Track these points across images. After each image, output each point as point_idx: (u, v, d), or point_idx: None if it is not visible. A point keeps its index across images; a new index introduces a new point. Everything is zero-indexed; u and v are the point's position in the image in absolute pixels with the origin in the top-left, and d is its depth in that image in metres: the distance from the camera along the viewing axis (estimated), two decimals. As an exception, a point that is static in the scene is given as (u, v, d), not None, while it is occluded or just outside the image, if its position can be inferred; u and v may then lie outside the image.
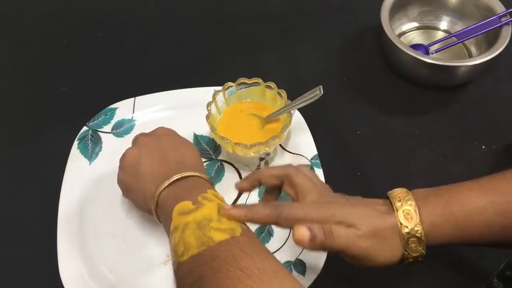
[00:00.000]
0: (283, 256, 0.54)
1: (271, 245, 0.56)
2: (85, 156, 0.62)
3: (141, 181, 0.50)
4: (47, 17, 0.82)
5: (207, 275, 0.37)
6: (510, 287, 0.45)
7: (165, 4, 0.82)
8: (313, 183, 0.45)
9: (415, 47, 0.71)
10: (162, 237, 0.56)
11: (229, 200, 0.56)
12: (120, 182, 0.53)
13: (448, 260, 0.55)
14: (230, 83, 0.63)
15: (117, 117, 0.65)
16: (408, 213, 0.40)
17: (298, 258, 0.54)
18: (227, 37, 0.78)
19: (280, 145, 0.63)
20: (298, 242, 0.40)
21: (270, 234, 0.57)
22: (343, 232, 0.40)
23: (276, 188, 0.48)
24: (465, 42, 0.72)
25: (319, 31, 0.78)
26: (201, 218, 0.41)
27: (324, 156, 0.61)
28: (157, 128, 0.56)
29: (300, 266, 0.53)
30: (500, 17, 0.67)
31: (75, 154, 0.62)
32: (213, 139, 0.63)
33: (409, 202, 0.41)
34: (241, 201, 0.59)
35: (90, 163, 0.62)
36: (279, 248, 0.55)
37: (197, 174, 0.48)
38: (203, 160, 0.61)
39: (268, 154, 0.61)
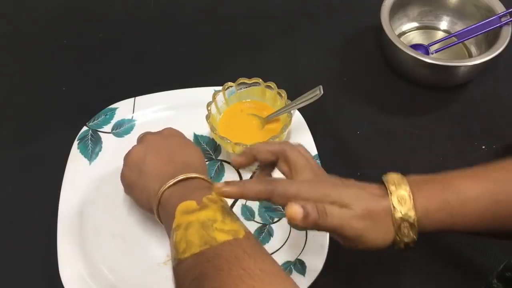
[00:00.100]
0: (283, 256, 0.54)
1: (271, 245, 0.56)
2: (85, 156, 0.62)
3: (145, 178, 0.50)
4: (47, 17, 0.82)
5: (208, 272, 0.37)
6: None
7: (165, 4, 0.82)
8: (307, 161, 0.44)
9: (415, 47, 0.71)
10: (163, 237, 0.56)
11: (229, 200, 0.56)
12: (123, 179, 0.53)
13: (448, 260, 0.55)
14: (230, 83, 0.63)
15: (117, 117, 0.65)
16: (402, 197, 0.40)
17: (298, 258, 0.54)
18: (227, 37, 0.78)
19: (280, 145, 0.63)
20: (290, 219, 0.39)
21: (270, 234, 0.57)
22: (336, 211, 0.40)
23: (270, 165, 0.47)
24: (465, 42, 0.72)
25: (319, 31, 0.78)
26: (205, 218, 0.41)
27: (324, 156, 0.61)
28: (164, 129, 0.56)
29: (300, 266, 0.53)
30: (500, 17, 0.67)
31: (75, 154, 0.62)
32: (213, 139, 0.63)
33: (403, 187, 0.40)
34: (242, 200, 0.59)
35: (90, 163, 0.62)
36: (279, 248, 0.55)
37: (201, 177, 0.49)
38: (203, 160, 0.62)
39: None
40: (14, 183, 0.63)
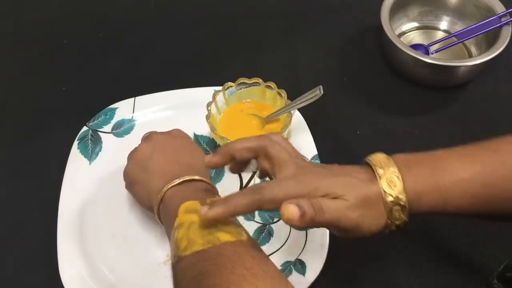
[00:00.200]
0: (283, 256, 0.54)
1: (271, 245, 0.56)
2: (85, 156, 0.62)
3: (149, 175, 0.50)
4: (47, 17, 0.82)
5: (210, 270, 0.37)
6: (510, 288, 0.45)
7: (165, 4, 0.82)
8: (289, 154, 0.43)
9: (415, 47, 0.71)
10: (163, 237, 0.56)
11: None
12: (127, 175, 0.54)
13: (448, 260, 0.55)
14: (230, 83, 0.63)
15: (117, 117, 0.65)
16: (391, 181, 0.39)
17: (298, 258, 0.54)
18: (227, 37, 0.78)
19: (280, 145, 0.63)
20: (288, 220, 0.37)
21: (270, 234, 0.57)
22: (332, 205, 0.38)
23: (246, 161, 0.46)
24: (465, 42, 0.72)
25: (319, 31, 0.78)
26: None
27: (324, 156, 0.61)
28: (173, 130, 0.57)
29: (300, 266, 0.53)
30: (500, 17, 0.67)
31: (75, 154, 0.62)
32: (213, 139, 0.63)
33: (391, 169, 0.39)
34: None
35: (90, 163, 0.62)
36: (279, 248, 0.55)
37: (206, 180, 0.49)
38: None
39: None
40: (14, 183, 0.63)
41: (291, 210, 0.37)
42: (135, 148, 0.54)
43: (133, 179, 0.53)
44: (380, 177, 0.39)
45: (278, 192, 0.39)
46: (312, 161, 0.61)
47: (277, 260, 0.53)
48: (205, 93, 0.64)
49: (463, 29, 0.71)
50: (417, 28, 0.77)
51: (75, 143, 0.63)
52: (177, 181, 0.47)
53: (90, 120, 0.65)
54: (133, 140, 0.58)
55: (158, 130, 0.57)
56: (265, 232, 0.57)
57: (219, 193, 0.50)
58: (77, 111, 0.68)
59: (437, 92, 0.70)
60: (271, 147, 0.43)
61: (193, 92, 0.67)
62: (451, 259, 0.55)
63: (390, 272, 0.55)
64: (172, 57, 0.75)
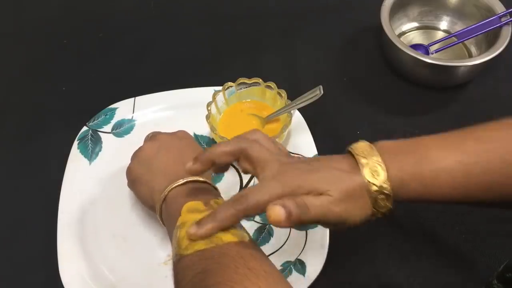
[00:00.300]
0: (283, 256, 0.54)
1: (271, 245, 0.56)
2: (85, 156, 0.62)
3: (153, 174, 0.50)
4: (47, 17, 0.82)
5: (212, 268, 0.37)
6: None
7: (165, 4, 0.82)
8: (270, 152, 0.42)
9: (415, 47, 0.71)
10: (163, 237, 0.56)
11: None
12: (130, 173, 0.54)
13: (448, 260, 0.55)
14: (230, 83, 0.63)
15: (117, 117, 0.65)
16: (374, 170, 0.39)
17: (298, 258, 0.54)
18: (227, 37, 0.78)
19: (280, 145, 0.63)
20: (275, 222, 0.37)
21: (270, 234, 0.57)
22: (316, 202, 0.38)
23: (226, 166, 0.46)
24: (465, 42, 0.72)
25: (319, 31, 0.78)
26: None
27: (324, 156, 0.61)
28: (178, 131, 0.57)
29: (300, 266, 0.53)
30: (500, 17, 0.67)
31: (75, 154, 0.62)
32: (213, 139, 0.63)
33: (374, 158, 0.39)
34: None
35: (90, 163, 0.62)
36: (279, 248, 0.55)
37: (209, 182, 0.49)
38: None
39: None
40: (14, 183, 0.63)
41: (277, 211, 0.37)
42: (140, 147, 0.54)
43: (136, 177, 0.53)
44: (363, 166, 0.39)
45: (262, 196, 0.39)
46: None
47: (277, 260, 0.53)
48: (205, 93, 0.64)
49: (463, 29, 0.71)
50: (417, 28, 0.77)
51: (75, 143, 0.63)
52: (181, 181, 0.47)
53: (90, 120, 0.65)
54: (133, 140, 0.58)
55: (158, 130, 0.57)
56: (265, 232, 0.57)
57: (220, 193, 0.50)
58: (77, 111, 0.68)
59: (437, 92, 0.70)
60: (250, 148, 0.42)
61: (193, 92, 0.67)
62: (451, 259, 0.55)
63: (389, 272, 0.55)
64: (172, 57, 0.75)
